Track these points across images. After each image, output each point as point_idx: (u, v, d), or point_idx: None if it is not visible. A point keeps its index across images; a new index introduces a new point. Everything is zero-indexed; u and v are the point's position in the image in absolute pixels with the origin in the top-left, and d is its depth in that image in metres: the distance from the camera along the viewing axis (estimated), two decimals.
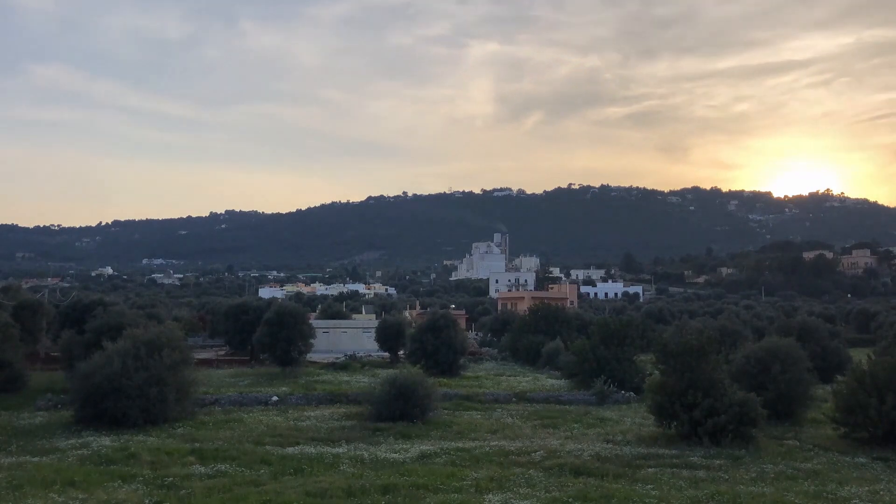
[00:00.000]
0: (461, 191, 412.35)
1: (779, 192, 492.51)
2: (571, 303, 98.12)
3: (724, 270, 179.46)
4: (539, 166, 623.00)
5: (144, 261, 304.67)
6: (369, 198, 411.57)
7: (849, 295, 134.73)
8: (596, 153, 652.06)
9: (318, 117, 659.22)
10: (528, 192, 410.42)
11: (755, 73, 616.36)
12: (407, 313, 68.60)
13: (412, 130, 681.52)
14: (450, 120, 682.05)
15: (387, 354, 45.28)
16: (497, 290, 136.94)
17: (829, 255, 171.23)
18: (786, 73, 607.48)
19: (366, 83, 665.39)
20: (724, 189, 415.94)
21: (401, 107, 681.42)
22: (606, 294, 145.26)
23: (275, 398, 25.04)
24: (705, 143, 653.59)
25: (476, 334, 68.94)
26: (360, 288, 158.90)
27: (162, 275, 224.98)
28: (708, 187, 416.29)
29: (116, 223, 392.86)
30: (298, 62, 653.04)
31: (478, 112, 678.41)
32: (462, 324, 51.17)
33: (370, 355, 46.24)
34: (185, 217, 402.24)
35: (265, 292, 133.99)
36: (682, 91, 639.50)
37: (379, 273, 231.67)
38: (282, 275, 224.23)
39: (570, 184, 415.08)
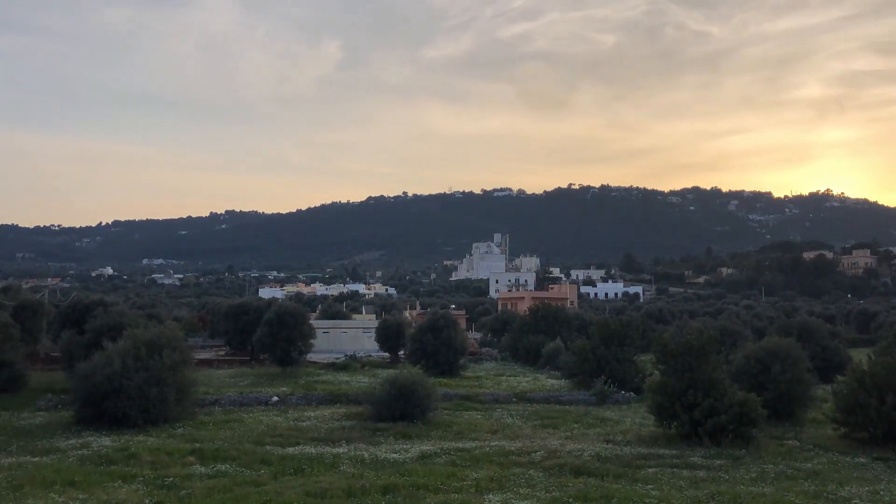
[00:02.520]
0: (461, 191, 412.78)
1: (779, 192, 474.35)
2: (572, 303, 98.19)
3: (724, 270, 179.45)
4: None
5: (144, 261, 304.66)
6: (369, 198, 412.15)
7: (849, 295, 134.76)
8: (449, 112, 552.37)
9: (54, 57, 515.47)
10: (528, 192, 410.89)
11: None
12: (407, 313, 68.62)
13: (179, 74, 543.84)
14: (219, 55, 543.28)
15: (387, 355, 45.28)
16: (497, 291, 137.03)
17: (829, 255, 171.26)
18: None
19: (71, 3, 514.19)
20: (725, 189, 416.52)
21: (141, 36, 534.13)
22: (606, 294, 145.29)
23: (275, 398, 25.04)
24: (592, 97, 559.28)
25: (476, 334, 68.94)
26: (361, 288, 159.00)
27: (162, 275, 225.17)
28: (708, 187, 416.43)
29: (116, 223, 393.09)
30: None
31: (248, 38, 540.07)
32: (462, 324, 51.17)
33: (370, 355, 46.22)
34: (185, 217, 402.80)
35: (265, 292, 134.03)
36: (510, 14, 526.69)
37: (379, 273, 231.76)
38: (282, 275, 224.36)
39: (570, 184, 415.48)
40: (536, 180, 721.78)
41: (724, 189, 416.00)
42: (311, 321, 40.61)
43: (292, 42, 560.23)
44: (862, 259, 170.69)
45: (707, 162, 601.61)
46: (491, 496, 12.13)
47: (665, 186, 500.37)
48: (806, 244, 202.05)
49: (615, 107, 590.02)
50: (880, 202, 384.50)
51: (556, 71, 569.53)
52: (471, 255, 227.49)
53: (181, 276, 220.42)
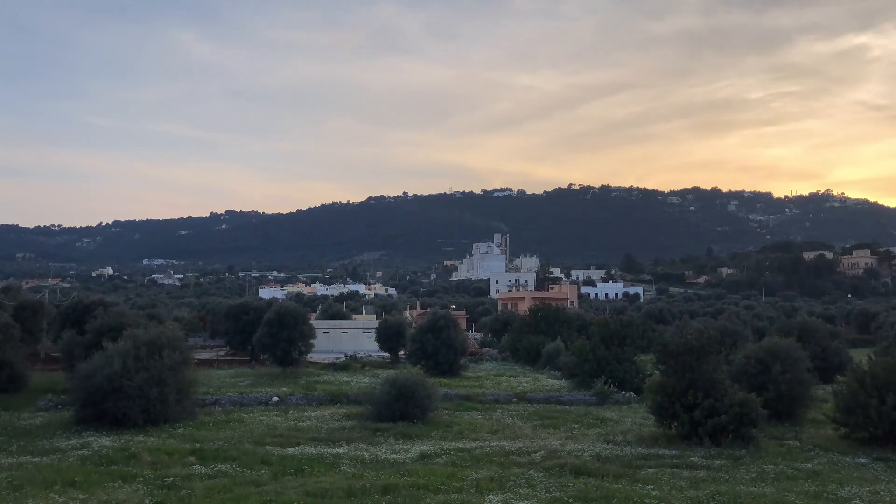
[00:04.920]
0: (461, 191, 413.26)
1: (779, 193, 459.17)
2: (572, 303, 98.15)
3: (725, 271, 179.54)
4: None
5: (145, 261, 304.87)
6: (369, 198, 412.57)
7: (849, 295, 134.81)
8: (223, 48, 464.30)
9: None
10: (529, 192, 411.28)
11: None
12: (407, 314, 68.66)
13: None
14: None
15: (387, 355, 45.24)
16: (497, 291, 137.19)
17: (830, 255, 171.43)
18: None
19: None
20: (725, 189, 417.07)
21: None
22: (607, 294, 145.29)
23: (275, 398, 25.04)
24: (419, 30, 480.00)
25: (476, 335, 68.93)
26: (361, 288, 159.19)
27: (162, 275, 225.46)
28: (708, 187, 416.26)
29: (117, 223, 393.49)
30: None
31: None
32: (462, 324, 51.17)
33: (370, 356, 46.20)
34: (185, 217, 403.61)
35: (265, 293, 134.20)
36: None
37: (379, 273, 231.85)
38: (282, 275, 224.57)
39: (571, 184, 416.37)
40: (537, 181, 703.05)
41: (724, 189, 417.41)
42: (311, 321, 40.59)
43: None
44: (862, 259, 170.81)
45: (597, 130, 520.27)
46: (491, 496, 12.12)
47: (665, 187, 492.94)
48: (806, 244, 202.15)
49: (455, 47, 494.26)
50: (880, 202, 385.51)
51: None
52: (471, 255, 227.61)
53: (181, 276, 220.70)
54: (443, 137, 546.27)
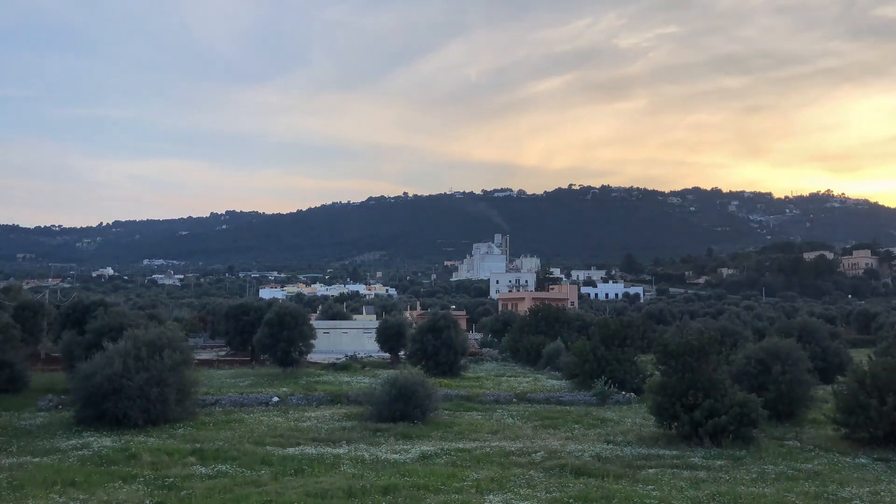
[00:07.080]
0: (461, 191, 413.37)
1: (779, 193, 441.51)
2: (572, 303, 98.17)
3: (725, 271, 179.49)
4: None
5: (145, 261, 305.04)
6: (370, 198, 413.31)
7: (849, 296, 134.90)
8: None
9: None
10: (529, 192, 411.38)
11: None
12: (407, 314, 68.58)
13: None
14: None
15: (387, 355, 45.25)
16: (498, 291, 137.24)
17: (830, 255, 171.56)
18: None
19: None
20: (725, 189, 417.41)
21: None
22: (607, 295, 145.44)
23: (275, 399, 25.03)
24: None
25: (477, 335, 68.91)
26: (361, 288, 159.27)
27: (162, 275, 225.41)
28: (708, 187, 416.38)
29: (117, 223, 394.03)
30: None
31: None
32: (463, 324, 51.20)
33: (371, 356, 46.22)
34: (185, 217, 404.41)
35: (266, 293, 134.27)
36: None
37: (379, 274, 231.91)
38: (282, 275, 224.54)
39: (571, 184, 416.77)
40: (537, 181, 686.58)
41: (725, 189, 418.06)
42: (311, 321, 40.60)
43: None
44: (862, 260, 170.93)
45: (461, 92, 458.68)
46: (491, 497, 12.12)
47: (666, 187, 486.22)
48: (806, 245, 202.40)
49: None
50: (881, 202, 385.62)
51: None
52: (471, 255, 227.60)
53: (182, 276, 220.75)
54: (291, 98, 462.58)
